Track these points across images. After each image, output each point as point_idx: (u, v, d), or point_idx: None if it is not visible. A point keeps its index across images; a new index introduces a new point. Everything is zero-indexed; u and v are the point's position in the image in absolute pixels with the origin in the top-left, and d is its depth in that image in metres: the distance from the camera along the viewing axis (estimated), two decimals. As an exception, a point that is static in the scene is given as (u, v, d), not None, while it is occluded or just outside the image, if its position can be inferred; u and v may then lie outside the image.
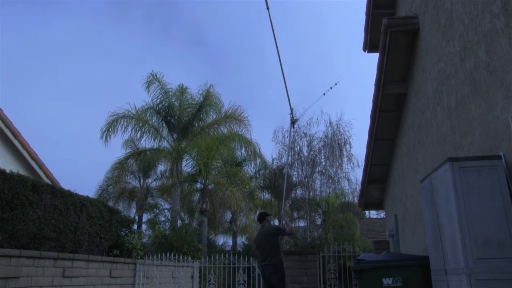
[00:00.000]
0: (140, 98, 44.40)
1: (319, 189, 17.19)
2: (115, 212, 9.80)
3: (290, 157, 16.66)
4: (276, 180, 18.43)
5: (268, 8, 6.73)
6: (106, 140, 18.25)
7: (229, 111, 19.82)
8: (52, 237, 7.22)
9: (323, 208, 18.19)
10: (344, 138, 16.59)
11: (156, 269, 10.01)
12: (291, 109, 7.92)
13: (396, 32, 5.95)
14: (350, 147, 16.58)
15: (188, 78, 69.80)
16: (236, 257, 10.25)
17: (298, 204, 18.19)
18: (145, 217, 21.44)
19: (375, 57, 7.02)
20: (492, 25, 3.73)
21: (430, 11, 5.42)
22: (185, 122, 19.54)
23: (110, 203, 19.63)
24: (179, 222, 18.21)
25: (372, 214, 27.36)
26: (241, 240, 22.37)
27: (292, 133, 7.94)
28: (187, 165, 18.52)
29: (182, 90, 20.33)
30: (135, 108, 19.05)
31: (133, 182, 22.86)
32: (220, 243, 22.89)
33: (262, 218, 6.71)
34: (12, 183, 6.53)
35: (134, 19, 55.94)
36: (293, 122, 8.03)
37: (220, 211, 18.87)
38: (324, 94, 8.27)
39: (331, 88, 8.30)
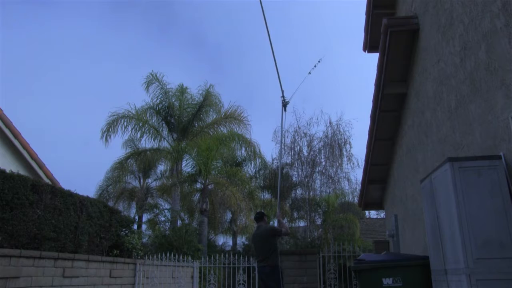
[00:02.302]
0: (140, 98, 44.49)
1: (319, 189, 17.22)
2: (115, 212, 9.79)
3: (288, 153, 16.67)
4: (276, 180, 18.42)
5: None
6: (106, 140, 18.27)
7: (229, 111, 19.83)
8: (52, 237, 7.22)
9: (323, 208, 18.19)
10: (344, 138, 16.63)
11: (156, 269, 10.01)
12: (282, 91, 7.85)
13: (396, 32, 5.95)
14: (350, 147, 16.62)
15: (188, 78, 69.77)
16: (236, 257, 10.25)
17: (298, 204, 18.21)
18: (145, 217, 21.43)
19: (375, 57, 7.02)
20: (492, 25, 3.73)
21: (430, 11, 5.42)
22: (185, 122, 19.54)
23: (110, 203, 19.62)
24: (179, 222, 18.21)
25: (372, 214, 27.36)
26: (241, 240, 22.38)
27: (284, 117, 7.86)
28: (187, 165, 18.53)
29: (182, 90, 20.33)
30: (135, 108, 19.06)
31: (133, 182, 22.87)
32: (220, 243, 22.90)
33: (260, 217, 6.68)
34: (12, 183, 6.52)
35: (133, 19, 55.94)
36: (284, 105, 7.97)
37: (220, 211, 18.86)
38: (310, 73, 8.17)
39: (315, 66, 8.21)
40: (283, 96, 7.92)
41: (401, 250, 7.24)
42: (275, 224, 8.84)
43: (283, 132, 16.57)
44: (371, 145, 7.76)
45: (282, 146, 12.07)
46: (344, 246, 9.42)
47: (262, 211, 8.06)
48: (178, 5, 62.58)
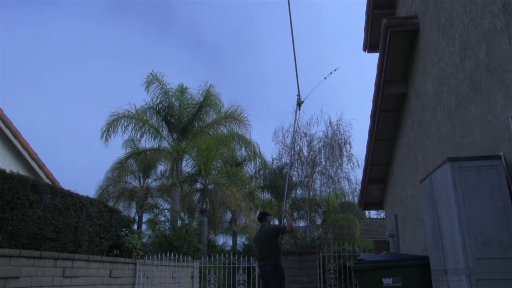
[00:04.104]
0: (140, 98, 44.42)
1: (319, 189, 17.26)
2: (115, 212, 9.80)
3: (288, 153, 16.65)
4: (276, 180, 18.44)
5: None
6: (106, 140, 18.27)
7: (229, 111, 19.83)
8: (52, 237, 7.22)
9: (323, 208, 18.20)
10: (344, 138, 16.68)
11: (156, 269, 10.01)
12: (298, 90, 7.84)
13: (396, 32, 5.95)
14: (350, 147, 16.67)
15: (188, 78, 69.79)
16: (236, 257, 10.25)
17: (298, 204, 18.23)
18: (145, 217, 21.42)
19: (375, 57, 7.02)
20: (492, 25, 3.73)
21: (430, 11, 5.42)
22: (185, 122, 19.54)
23: (110, 203, 19.61)
24: (179, 222, 18.20)
25: (372, 214, 27.40)
26: (241, 240, 22.37)
27: (297, 116, 7.87)
28: (187, 165, 18.54)
29: (182, 90, 20.34)
30: (135, 108, 19.07)
31: (133, 182, 22.85)
32: (220, 243, 22.90)
33: (263, 217, 6.67)
34: (12, 183, 6.52)
35: (133, 20, 55.94)
36: (299, 104, 7.98)
37: (220, 211, 18.85)
38: (325, 78, 8.15)
39: (331, 73, 8.20)
40: (299, 95, 7.91)
41: (401, 250, 7.24)
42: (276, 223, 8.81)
43: (284, 132, 16.54)
44: (371, 145, 7.76)
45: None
46: (344, 246, 9.41)
47: (264, 211, 8.04)
48: (177, 6, 62.60)
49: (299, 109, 7.99)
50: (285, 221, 6.78)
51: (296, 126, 8.03)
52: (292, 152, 10.33)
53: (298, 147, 16.90)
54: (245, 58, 62.15)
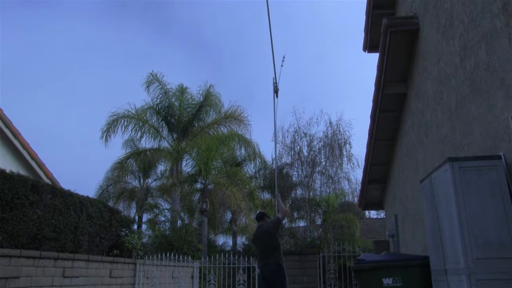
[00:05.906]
0: (140, 98, 44.42)
1: (319, 189, 17.25)
2: (115, 212, 9.80)
3: (288, 153, 16.67)
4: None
5: None
6: (106, 140, 18.26)
7: (229, 111, 19.82)
8: (52, 237, 7.22)
9: (323, 208, 18.18)
10: (344, 138, 16.66)
11: (156, 269, 10.02)
12: (275, 77, 8.01)
13: (396, 32, 5.95)
14: (350, 147, 16.65)
15: (188, 78, 69.81)
16: (236, 257, 10.25)
17: (298, 204, 18.20)
18: (145, 217, 21.44)
19: (375, 57, 7.03)
20: (492, 25, 3.74)
21: (430, 11, 5.42)
22: (185, 122, 19.54)
23: (110, 203, 19.62)
24: (179, 222, 18.21)
25: (372, 214, 27.34)
26: (241, 240, 22.34)
27: (276, 104, 8.02)
28: (187, 165, 18.53)
29: (182, 90, 20.34)
30: (135, 108, 19.06)
31: (133, 182, 22.84)
32: (220, 243, 22.90)
33: (261, 217, 6.62)
34: (12, 183, 6.52)
35: (133, 20, 55.90)
36: (276, 91, 8.14)
37: (220, 211, 18.85)
38: (282, 65, 8.41)
39: (283, 61, 8.44)
40: (275, 83, 8.02)
41: (401, 250, 7.24)
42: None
43: (284, 132, 16.56)
44: (371, 145, 7.76)
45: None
46: (344, 246, 9.42)
47: (263, 211, 8.05)
48: (177, 6, 62.61)
49: (277, 96, 8.13)
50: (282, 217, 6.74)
51: (276, 112, 8.13)
52: (275, 138, 10.27)
53: (298, 147, 16.91)
54: (245, 58, 62.20)
